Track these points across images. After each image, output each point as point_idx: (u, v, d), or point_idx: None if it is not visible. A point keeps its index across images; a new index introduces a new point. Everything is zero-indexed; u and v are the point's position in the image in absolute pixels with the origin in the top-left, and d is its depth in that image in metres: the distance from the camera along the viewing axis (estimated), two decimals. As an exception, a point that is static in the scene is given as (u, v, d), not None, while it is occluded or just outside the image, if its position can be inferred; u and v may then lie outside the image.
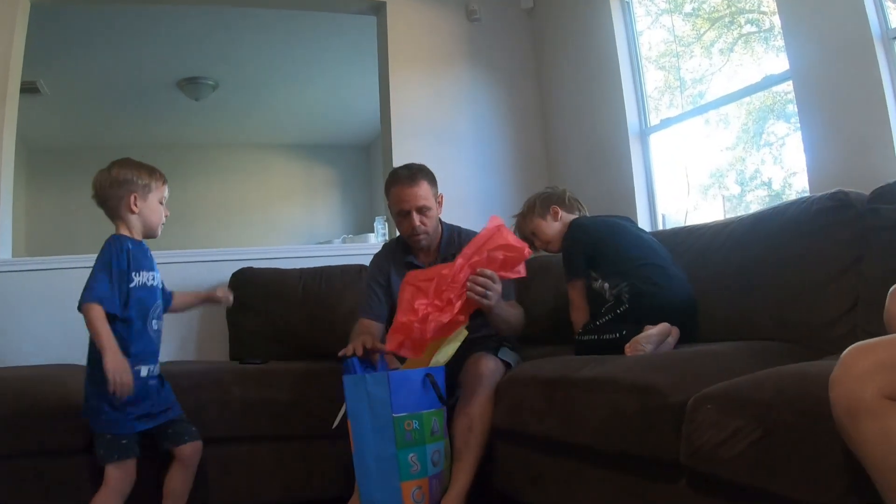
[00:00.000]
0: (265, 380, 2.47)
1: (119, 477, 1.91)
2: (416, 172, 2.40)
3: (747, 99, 2.94)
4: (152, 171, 2.13)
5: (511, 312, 2.29)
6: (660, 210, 3.26)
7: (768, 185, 3.00)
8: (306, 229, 7.32)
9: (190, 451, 2.09)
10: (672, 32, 3.43)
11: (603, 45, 3.46)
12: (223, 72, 5.35)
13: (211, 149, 7.18)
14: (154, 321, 2.08)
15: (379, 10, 3.92)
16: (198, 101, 5.63)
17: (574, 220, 2.42)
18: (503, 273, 2.06)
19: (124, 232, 2.08)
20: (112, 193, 2.08)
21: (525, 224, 2.52)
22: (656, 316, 2.00)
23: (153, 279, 2.09)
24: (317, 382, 2.46)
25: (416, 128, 3.73)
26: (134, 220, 2.09)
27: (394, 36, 3.81)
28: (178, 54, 4.93)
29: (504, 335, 2.37)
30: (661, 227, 3.19)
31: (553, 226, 2.48)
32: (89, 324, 1.90)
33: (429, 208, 2.39)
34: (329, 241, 6.53)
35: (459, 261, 2.05)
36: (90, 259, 3.23)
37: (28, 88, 4.75)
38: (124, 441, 1.94)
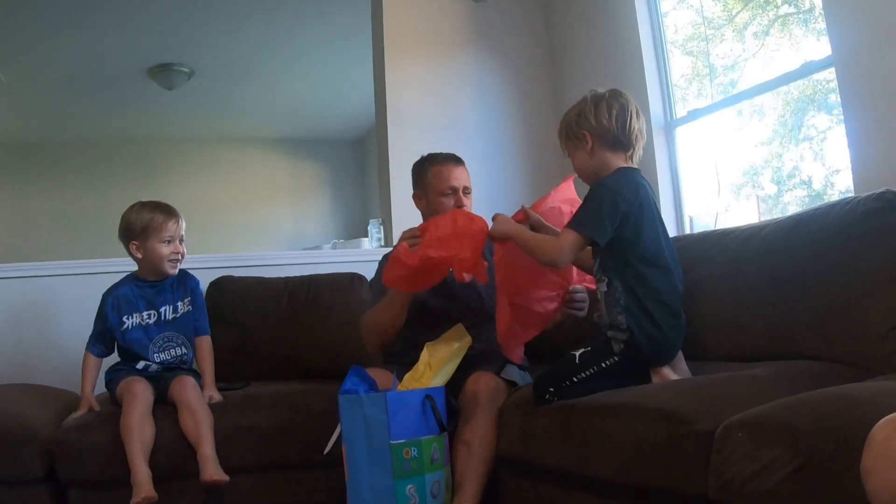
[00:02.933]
0: (246, 405, 2.48)
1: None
2: (458, 157, 2.59)
3: (785, 88, 2.95)
4: (153, 211, 2.56)
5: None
6: (687, 212, 3.27)
7: (808, 184, 3.01)
8: (292, 233, 7.34)
9: (176, 388, 2.35)
10: (701, 14, 3.44)
11: (624, 27, 3.48)
12: (199, 58, 5.37)
13: (185, 143, 7.20)
14: (156, 354, 2.54)
15: (373, -11, 3.94)
16: (171, 90, 5.65)
17: (625, 173, 2.00)
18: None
19: (138, 273, 2.62)
20: (122, 243, 2.59)
21: (560, 139, 2.15)
22: (648, 363, 1.95)
23: (152, 317, 2.57)
24: (304, 406, 2.47)
25: (414, 120, 3.74)
26: (141, 263, 2.60)
27: (390, 17, 3.83)
28: (149, 38, 4.95)
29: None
30: (688, 231, 3.20)
31: (586, 160, 2.06)
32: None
33: (470, 192, 2.56)
34: (318, 247, 6.53)
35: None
36: (51, 267, 3.27)
37: (-18, 77, 4.79)
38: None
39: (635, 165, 2.06)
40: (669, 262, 1.99)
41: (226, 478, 2.17)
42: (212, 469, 2.17)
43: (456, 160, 2.57)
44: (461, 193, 2.52)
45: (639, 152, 2.08)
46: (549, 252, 1.95)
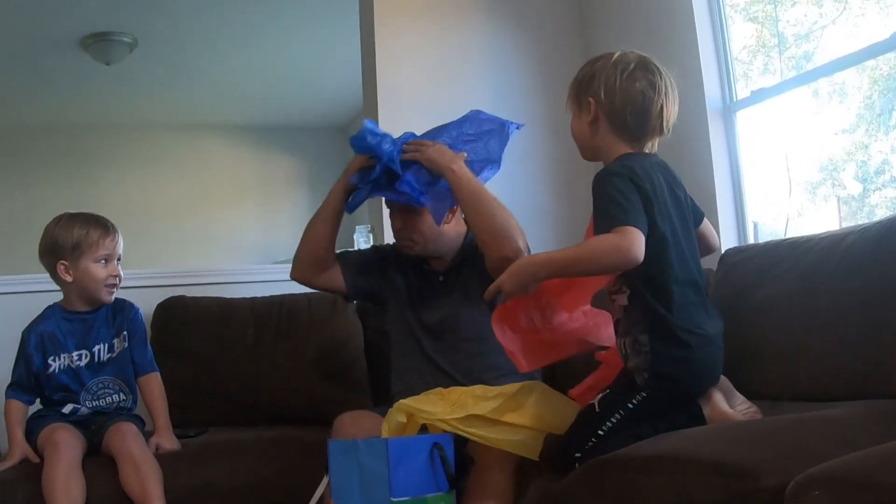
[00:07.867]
0: (202, 457, 2.49)
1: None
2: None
3: (872, 63, 2.95)
4: (87, 224, 2.57)
5: (489, 202, 2.39)
6: (750, 216, 3.27)
7: (901, 181, 3.02)
8: (260, 242, 7.35)
9: (113, 438, 2.36)
10: (767, -29, 3.46)
11: (671, -13, 3.49)
12: (144, 25, 5.38)
13: (127, 130, 7.22)
14: (89, 402, 2.56)
15: (361, -58, 3.96)
16: (109, 64, 5.67)
17: (629, 157, 2.05)
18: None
19: (65, 303, 2.63)
20: (45, 263, 2.61)
21: (569, 95, 2.16)
22: (687, 393, 1.99)
23: (83, 357, 2.58)
24: (277, 457, 2.48)
25: (412, 103, 3.75)
26: (70, 288, 2.60)
27: (382, -23, 3.85)
28: (82, 1, 4.97)
29: (483, 240, 2.42)
30: (751, 240, 3.20)
31: (585, 131, 2.11)
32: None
33: (417, 212, 2.52)
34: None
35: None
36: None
37: None
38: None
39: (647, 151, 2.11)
40: (693, 265, 2.04)
41: None
42: None
43: None
44: (396, 214, 2.58)
45: (654, 146, 2.12)
46: (609, 251, 1.87)
